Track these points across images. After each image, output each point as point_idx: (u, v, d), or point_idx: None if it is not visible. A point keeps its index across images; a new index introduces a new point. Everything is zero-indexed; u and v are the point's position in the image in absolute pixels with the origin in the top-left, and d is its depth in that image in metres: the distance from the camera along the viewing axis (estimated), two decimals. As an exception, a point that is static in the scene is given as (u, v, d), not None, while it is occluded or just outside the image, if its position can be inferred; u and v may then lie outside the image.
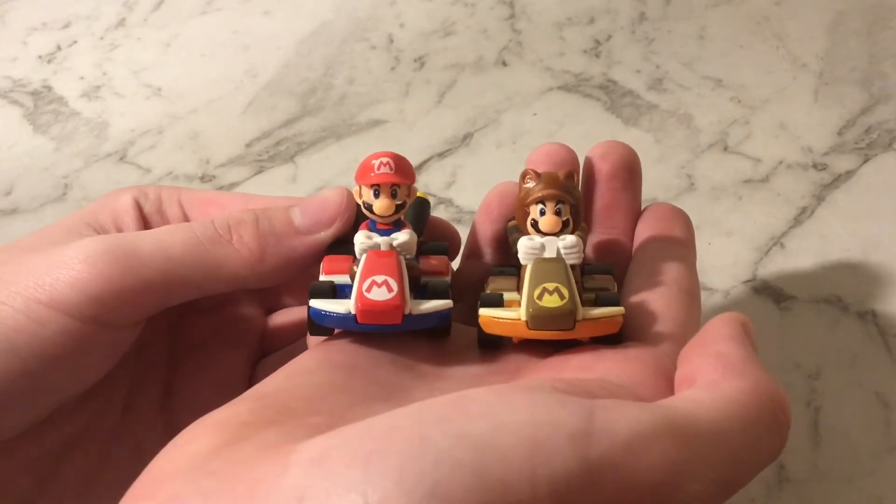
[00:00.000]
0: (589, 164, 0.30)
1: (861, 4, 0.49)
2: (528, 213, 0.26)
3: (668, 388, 0.21)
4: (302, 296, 0.31)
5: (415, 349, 0.25)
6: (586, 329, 0.24)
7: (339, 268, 0.25)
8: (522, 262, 0.25)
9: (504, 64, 0.47)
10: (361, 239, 0.25)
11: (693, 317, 0.26)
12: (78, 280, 0.23)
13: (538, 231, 0.25)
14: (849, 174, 0.41)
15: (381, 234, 0.25)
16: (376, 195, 0.25)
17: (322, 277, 0.25)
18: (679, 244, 0.28)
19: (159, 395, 0.28)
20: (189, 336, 0.30)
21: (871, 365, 0.35)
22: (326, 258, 0.26)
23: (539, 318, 0.23)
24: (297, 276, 0.27)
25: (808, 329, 0.36)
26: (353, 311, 0.23)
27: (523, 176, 0.26)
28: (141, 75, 0.46)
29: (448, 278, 0.26)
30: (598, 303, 0.25)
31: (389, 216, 0.25)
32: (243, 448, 0.18)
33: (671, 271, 0.27)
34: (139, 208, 0.27)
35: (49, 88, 0.46)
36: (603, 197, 0.29)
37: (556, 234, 0.25)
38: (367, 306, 0.23)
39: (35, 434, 0.25)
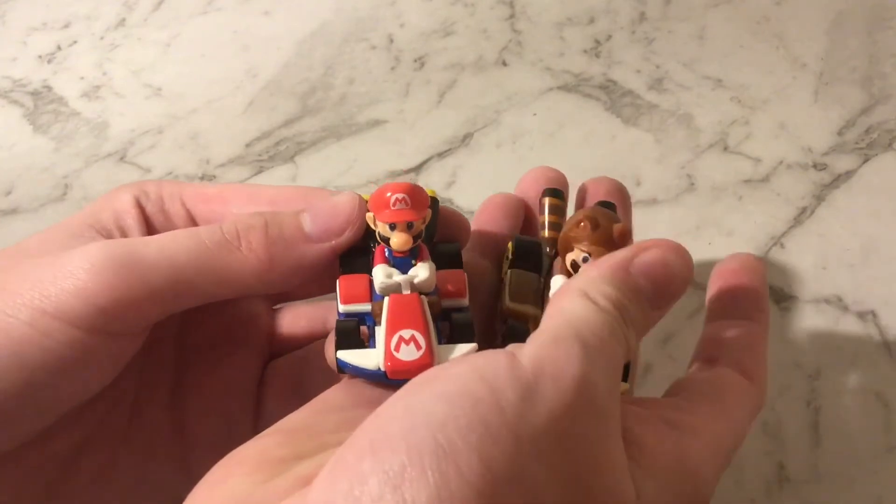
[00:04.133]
0: (583, 190, 0.31)
1: (861, 4, 0.49)
2: (567, 252, 0.25)
3: None
4: (309, 292, 0.31)
5: None
6: None
7: (358, 294, 0.25)
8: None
9: (504, 64, 0.47)
10: (381, 278, 0.24)
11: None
12: (83, 290, 0.23)
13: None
14: (849, 174, 0.41)
15: (399, 265, 0.25)
16: (392, 228, 0.25)
17: (341, 308, 0.25)
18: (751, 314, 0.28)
19: (167, 396, 0.28)
20: (196, 336, 0.29)
21: (871, 365, 0.35)
22: (342, 280, 0.25)
23: None
24: (307, 282, 0.26)
25: (808, 329, 0.36)
26: (382, 368, 0.23)
27: (577, 223, 0.25)
28: (141, 75, 0.46)
29: (467, 303, 0.26)
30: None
31: (407, 250, 0.25)
32: (281, 484, 0.19)
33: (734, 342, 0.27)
34: (140, 207, 0.27)
35: (49, 88, 0.46)
36: None
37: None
38: (397, 367, 0.23)
39: (42, 440, 0.25)
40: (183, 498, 0.20)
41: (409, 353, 0.23)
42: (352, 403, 0.23)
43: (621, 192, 0.31)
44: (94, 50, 0.47)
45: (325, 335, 0.28)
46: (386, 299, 0.24)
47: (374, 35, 0.48)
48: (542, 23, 0.48)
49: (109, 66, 0.47)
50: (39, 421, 0.24)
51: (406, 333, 0.23)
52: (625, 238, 0.24)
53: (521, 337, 0.26)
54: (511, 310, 0.27)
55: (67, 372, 0.24)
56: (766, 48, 0.47)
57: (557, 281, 0.26)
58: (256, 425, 0.29)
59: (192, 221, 0.27)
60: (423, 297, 0.24)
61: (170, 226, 0.27)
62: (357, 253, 0.26)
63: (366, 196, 0.26)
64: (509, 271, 0.27)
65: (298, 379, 0.29)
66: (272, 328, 0.31)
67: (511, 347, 0.20)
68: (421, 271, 0.25)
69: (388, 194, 0.24)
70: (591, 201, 0.30)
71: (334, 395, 0.24)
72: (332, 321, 0.27)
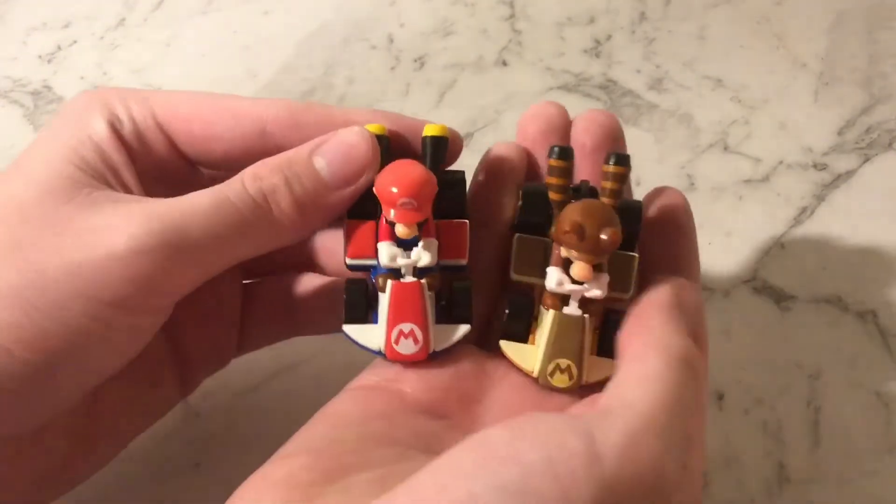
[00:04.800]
0: (572, 138, 0.29)
1: (861, 4, 0.49)
2: (560, 245, 0.25)
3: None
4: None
5: (442, 390, 0.26)
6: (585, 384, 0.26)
7: (365, 247, 0.26)
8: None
9: (504, 64, 0.47)
10: (385, 260, 0.25)
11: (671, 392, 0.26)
12: (137, 277, 0.22)
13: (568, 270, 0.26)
14: (849, 174, 0.41)
15: (404, 245, 0.25)
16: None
17: (348, 261, 0.26)
18: (686, 267, 0.28)
19: (161, 330, 0.28)
20: None
21: (871, 365, 0.35)
22: (349, 227, 0.26)
23: (547, 387, 0.26)
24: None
25: (808, 329, 0.36)
26: (383, 352, 0.26)
27: (564, 230, 0.25)
28: (141, 75, 0.46)
29: (465, 262, 0.26)
30: (601, 349, 0.26)
31: (413, 233, 0.25)
32: None
33: (669, 333, 0.26)
34: (118, 135, 0.26)
35: (49, 88, 0.46)
36: (588, 172, 0.29)
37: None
38: (396, 357, 0.26)
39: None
40: None
41: (407, 347, 0.26)
42: (364, 416, 0.24)
43: (611, 133, 0.29)
44: (95, 50, 0.47)
45: (299, 263, 0.30)
46: (389, 284, 0.25)
47: (374, 35, 0.48)
48: (542, 23, 0.49)
49: (109, 65, 0.47)
50: (80, 395, 0.25)
51: (406, 328, 0.25)
52: (613, 245, 0.24)
53: (525, 312, 0.26)
54: (516, 281, 0.27)
55: (117, 349, 0.24)
56: (766, 48, 0.47)
57: (553, 274, 0.26)
58: (238, 350, 0.31)
59: (172, 145, 0.26)
60: (423, 282, 0.26)
61: (149, 153, 0.26)
62: (365, 193, 0.26)
63: (372, 128, 0.26)
64: (515, 237, 0.27)
65: (281, 304, 0.30)
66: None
67: (588, 424, 0.19)
68: (424, 255, 0.25)
69: (394, 190, 0.24)
70: (582, 163, 0.29)
71: (345, 408, 0.25)
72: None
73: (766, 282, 0.37)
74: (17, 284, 0.22)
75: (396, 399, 0.25)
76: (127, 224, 0.23)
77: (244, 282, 0.31)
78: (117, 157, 0.25)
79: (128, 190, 0.25)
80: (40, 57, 0.47)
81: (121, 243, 0.22)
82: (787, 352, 0.35)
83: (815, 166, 0.42)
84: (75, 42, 0.48)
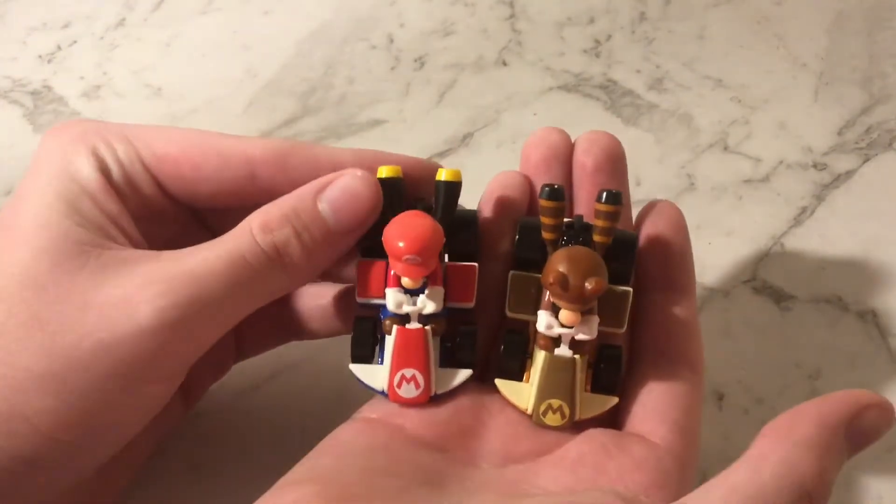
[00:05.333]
0: (574, 159, 0.30)
1: (861, 4, 0.49)
2: (548, 289, 0.26)
3: (668, 492, 0.23)
4: None
5: (442, 425, 0.26)
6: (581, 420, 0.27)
7: (375, 287, 0.26)
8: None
9: (504, 64, 0.47)
10: (392, 307, 0.26)
11: (695, 399, 0.27)
12: (165, 348, 0.23)
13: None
14: (849, 174, 0.41)
15: (410, 293, 0.26)
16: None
17: (358, 300, 0.27)
18: (681, 286, 0.28)
19: None
20: None
21: (871, 365, 0.35)
22: (360, 268, 0.27)
23: (541, 426, 0.27)
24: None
25: (808, 329, 0.36)
26: (386, 393, 0.26)
27: (548, 281, 0.25)
28: (141, 75, 0.46)
29: (472, 305, 0.27)
30: (595, 385, 0.27)
31: (418, 285, 0.26)
32: None
33: (677, 336, 0.27)
34: (109, 181, 0.25)
35: (49, 88, 0.46)
36: (588, 193, 0.29)
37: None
38: (397, 400, 0.26)
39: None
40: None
41: (408, 392, 0.26)
42: (367, 448, 0.25)
43: (611, 154, 0.29)
44: (94, 50, 0.47)
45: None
46: (394, 329, 0.26)
47: (374, 35, 0.48)
48: (542, 23, 0.49)
49: (109, 65, 0.47)
50: (107, 458, 0.25)
51: (408, 373, 0.26)
52: (598, 293, 0.25)
53: (518, 350, 0.27)
54: (511, 318, 0.27)
55: (142, 415, 0.25)
56: (766, 48, 0.47)
57: (542, 318, 0.26)
58: (236, 359, 0.31)
59: (159, 186, 0.26)
60: (428, 329, 0.26)
61: (137, 195, 0.26)
62: (375, 228, 0.26)
63: (388, 170, 0.26)
64: (510, 274, 0.27)
65: (277, 309, 0.30)
66: None
67: None
68: (428, 304, 0.26)
69: (401, 245, 0.25)
70: (582, 184, 0.29)
71: (349, 438, 0.25)
72: None
73: (766, 282, 0.37)
74: (49, 369, 0.22)
75: (398, 433, 0.26)
76: (148, 294, 0.23)
77: None
78: (113, 206, 0.25)
79: (129, 238, 0.25)
80: (40, 57, 0.47)
81: (146, 317, 0.22)
82: (787, 352, 0.35)
83: (815, 166, 0.42)
84: (75, 42, 0.48)
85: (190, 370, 0.29)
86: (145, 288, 0.23)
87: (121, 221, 0.25)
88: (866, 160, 0.42)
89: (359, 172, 0.26)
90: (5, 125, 0.44)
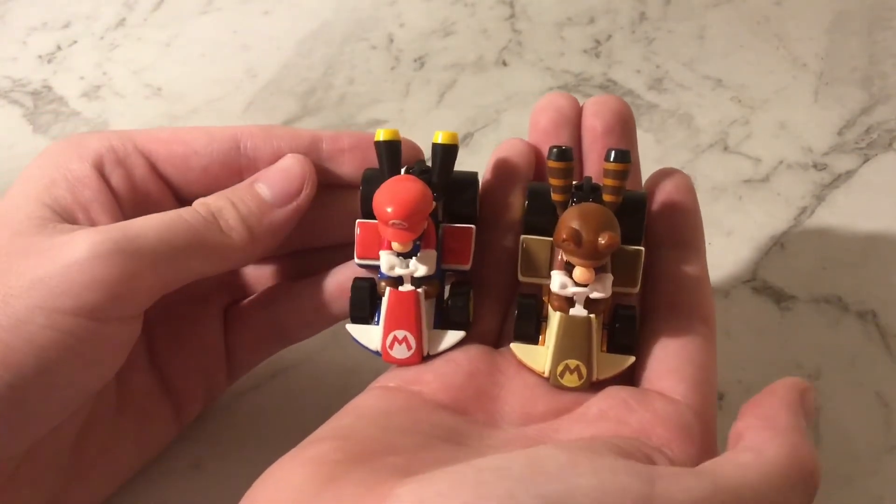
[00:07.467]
0: (583, 122, 0.30)
1: (861, 4, 0.49)
2: (561, 247, 0.25)
3: (691, 446, 0.24)
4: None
5: (459, 389, 0.26)
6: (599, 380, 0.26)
7: (373, 248, 0.27)
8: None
9: (504, 64, 0.47)
10: (384, 269, 0.26)
11: (710, 353, 0.27)
12: (96, 281, 0.23)
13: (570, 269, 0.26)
14: (849, 174, 0.41)
15: (403, 255, 0.26)
16: None
17: (357, 261, 0.27)
18: (691, 244, 0.28)
19: (145, 362, 0.30)
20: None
21: (871, 365, 0.35)
22: (360, 228, 0.27)
23: (558, 387, 0.26)
24: (282, 243, 0.28)
25: (808, 329, 0.36)
26: (379, 352, 0.27)
27: (562, 237, 0.25)
28: (141, 75, 0.46)
29: (468, 267, 0.27)
30: (611, 345, 0.27)
31: (408, 248, 0.26)
32: (343, 486, 0.20)
33: (689, 291, 0.28)
34: (101, 175, 0.27)
35: (49, 88, 0.46)
36: (598, 156, 0.29)
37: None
38: (389, 360, 0.27)
39: (53, 432, 0.25)
40: None
41: (400, 352, 0.27)
42: (387, 410, 0.25)
43: (620, 116, 0.29)
44: (94, 50, 0.47)
45: (275, 281, 0.32)
46: (387, 291, 0.27)
47: (374, 35, 0.48)
48: (542, 23, 0.49)
49: (109, 65, 0.47)
50: (60, 416, 0.25)
51: (400, 334, 0.27)
52: (611, 248, 0.24)
53: (532, 312, 0.27)
54: (524, 283, 0.27)
55: (88, 364, 0.24)
56: (766, 48, 0.47)
57: (556, 277, 0.26)
58: (231, 375, 0.31)
59: (152, 168, 0.28)
60: (420, 291, 0.26)
61: (129, 178, 0.28)
62: (376, 180, 0.26)
63: (387, 133, 0.27)
64: (521, 239, 0.27)
65: (264, 321, 0.31)
66: (223, 277, 0.32)
67: (653, 473, 0.19)
68: (420, 267, 0.26)
69: (388, 210, 0.25)
70: (592, 147, 0.29)
71: (369, 403, 0.26)
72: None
73: (766, 282, 0.38)
74: None
75: (416, 397, 0.26)
76: (86, 236, 0.24)
77: (224, 308, 0.32)
78: (88, 194, 0.26)
79: (94, 224, 0.26)
80: (40, 57, 0.47)
81: (80, 251, 0.23)
82: (787, 352, 0.35)
83: (815, 166, 0.42)
84: (75, 42, 0.48)
85: (180, 385, 0.30)
86: (85, 233, 0.24)
87: (93, 210, 0.26)
88: (866, 160, 0.42)
89: (289, 155, 0.28)
90: (5, 125, 0.44)
